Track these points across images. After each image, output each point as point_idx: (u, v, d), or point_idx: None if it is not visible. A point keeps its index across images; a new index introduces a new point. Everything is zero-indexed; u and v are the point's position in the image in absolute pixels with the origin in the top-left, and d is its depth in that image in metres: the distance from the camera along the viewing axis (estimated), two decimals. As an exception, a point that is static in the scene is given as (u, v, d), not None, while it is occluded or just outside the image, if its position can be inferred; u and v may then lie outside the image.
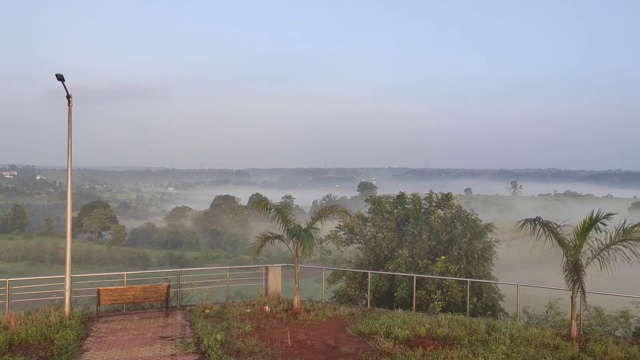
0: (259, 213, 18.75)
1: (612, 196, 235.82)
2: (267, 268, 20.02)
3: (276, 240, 17.93)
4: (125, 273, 18.21)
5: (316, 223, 18.11)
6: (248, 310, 17.22)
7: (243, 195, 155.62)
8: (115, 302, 16.36)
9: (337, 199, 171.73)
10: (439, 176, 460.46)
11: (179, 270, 19.48)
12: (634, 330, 15.97)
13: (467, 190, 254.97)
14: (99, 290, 16.03)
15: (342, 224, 26.36)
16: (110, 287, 16.36)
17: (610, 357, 12.68)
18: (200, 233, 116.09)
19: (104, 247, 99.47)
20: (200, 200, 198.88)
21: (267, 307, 17.44)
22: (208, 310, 16.96)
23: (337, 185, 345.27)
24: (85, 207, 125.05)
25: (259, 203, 18.49)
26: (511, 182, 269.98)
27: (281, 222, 17.77)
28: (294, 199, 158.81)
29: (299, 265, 17.77)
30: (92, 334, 14.38)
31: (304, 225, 17.70)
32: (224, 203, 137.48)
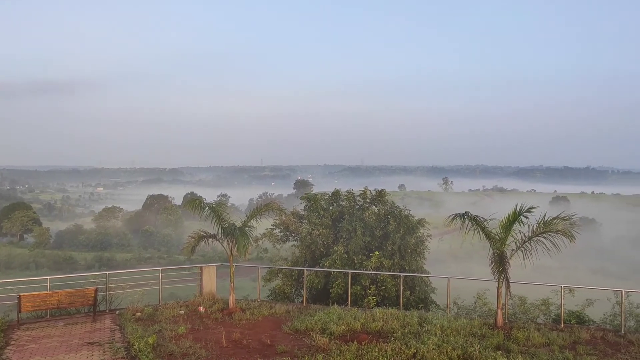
0: (192, 212, 18.36)
1: (535, 191, 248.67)
2: (201, 268, 19.66)
3: (211, 240, 17.65)
4: (49, 277, 17.29)
5: (251, 221, 17.98)
6: (182, 312, 16.84)
7: (177, 195, 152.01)
8: (37, 308, 15.53)
9: (273, 197, 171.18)
10: (374, 173, 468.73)
11: (107, 272, 18.72)
12: (554, 317, 16.92)
13: (401, 186, 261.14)
14: (19, 296, 15.17)
15: (277, 221, 26.29)
16: (33, 293, 15.51)
17: (532, 342, 13.39)
18: (132, 234, 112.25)
19: (26, 250, 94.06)
20: (132, 200, 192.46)
21: (201, 308, 17.13)
22: (139, 313, 16.44)
23: (273, 183, 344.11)
24: (5, 209, 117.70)
25: (192, 202, 18.12)
26: (443, 179, 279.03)
27: (216, 221, 17.51)
28: (229, 197, 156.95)
29: (234, 264, 17.57)
30: (13, 342, 13.58)
31: (238, 224, 17.52)
32: (157, 202, 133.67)
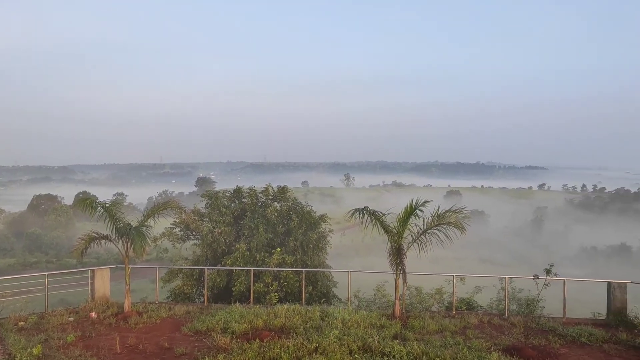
0: (83, 212, 17.24)
1: (431, 185, 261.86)
2: (93, 271, 18.50)
3: (105, 241, 16.66)
4: None
5: (149, 220, 17.20)
6: (71, 319, 15.75)
7: (68, 194, 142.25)
8: None
9: (174, 195, 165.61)
10: (277, 170, 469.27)
11: (-15, 280, 17.09)
12: (447, 304, 17.87)
13: (304, 183, 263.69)
14: None
15: (177, 220, 25.46)
16: None
17: (427, 330, 14.03)
18: (15, 237, 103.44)
19: None
20: (15, 200, 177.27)
21: (93, 313, 16.12)
22: (22, 323, 15.16)
23: (174, 181, 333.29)
24: None
25: (83, 201, 16.97)
26: (345, 175, 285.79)
27: (110, 221, 16.56)
28: (126, 196, 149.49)
29: (131, 265, 16.73)
30: None
31: (135, 224, 16.70)
32: (45, 203, 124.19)
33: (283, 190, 26.93)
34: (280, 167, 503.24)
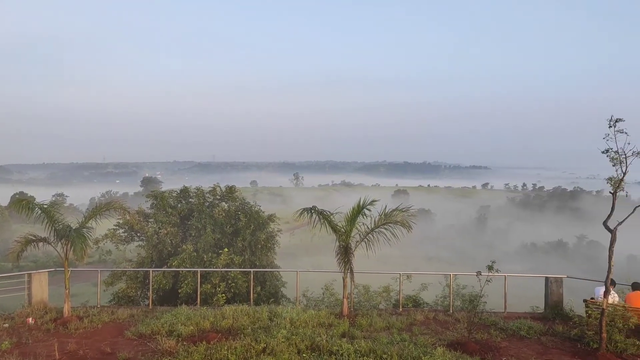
0: (20, 214, 16.44)
1: (379, 185, 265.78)
2: (30, 275, 17.68)
3: (43, 244, 15.94)
4: None
5: (90, 222, 16.59)
6: (6, 325, 14.99)
7: (3, 195, 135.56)
8: None
9: (118, 195, 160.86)
10: (226, 169, 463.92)
11: None
12: (394, 302, 18.15)
13: (253, 182, 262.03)
14: None
15: (121, 221, 24.70)
16: None
17: (374, 328, 14.20)
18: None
19: None
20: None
21: (30, 319, 15.40)
22: (-48, 331, 14.31)
23: (117, 181, 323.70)
24: None
25: (19, 202, 16.17)
26: (294, 174, 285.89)
27: (48, 223, 15.86)
28: (67, 197, 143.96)
29: (71, 269, 16.08)
30: None
31: (75, 225, 16.06)
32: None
33: (231, 190, 26.62)
34: (229, 167, 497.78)
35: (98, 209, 17.31)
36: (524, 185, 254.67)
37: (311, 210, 15.78)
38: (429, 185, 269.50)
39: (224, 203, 26.19)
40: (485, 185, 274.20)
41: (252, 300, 18.35)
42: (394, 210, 15.79)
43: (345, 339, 12.76)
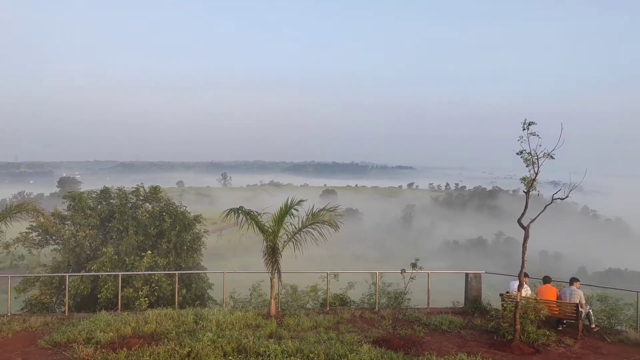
0: None
1: (307, 185, 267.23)
2: None
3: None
4: None
5: (-1, 225, 15.53)
6: None
7: None
8: None
9: (32, 196, 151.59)
10: (151, 169, 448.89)
11: None
12: (321, 301, 18.26)
13: (179, 183, 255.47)
14: None
15: (34, 224, 23.25)
16: None
17: (301, 327, 14.22)
18: None
19: None
20: None
21: None
22: None
23: (32, 181, 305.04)
24: None
25: None
26: (222, 174, 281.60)
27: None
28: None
29: (-24, 275, 14.96)
30: None
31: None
32: None
33: (155, 190, 25.76)
34: (154, 167, 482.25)
35: (8, 211, 16.26)
36: (447, 185, 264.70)
37: (238, 210, 15.59)
38: (356, 185, 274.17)
39: (147, 204, 25.30)
40: (410, 185, 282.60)
41: (177, 303, 17.86)
42: (321, 210, 15.90)
43: (272, 339, 12.69)
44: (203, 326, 14.00)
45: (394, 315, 14.45)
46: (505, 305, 14.29)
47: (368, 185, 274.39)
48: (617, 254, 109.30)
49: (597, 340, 13.76)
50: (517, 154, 13.20)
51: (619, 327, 15.31)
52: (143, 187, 26.43)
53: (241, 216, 15.55)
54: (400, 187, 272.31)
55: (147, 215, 23.81)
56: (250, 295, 19.41)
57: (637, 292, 15.29)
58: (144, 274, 20.26)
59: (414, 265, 13.38)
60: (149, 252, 21.81)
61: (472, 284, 17.60)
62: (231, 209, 15.62)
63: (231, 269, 18.97)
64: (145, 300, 17.96)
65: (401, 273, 13.77)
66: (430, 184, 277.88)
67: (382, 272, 18.05)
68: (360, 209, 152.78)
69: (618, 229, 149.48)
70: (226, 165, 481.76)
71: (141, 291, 19.54)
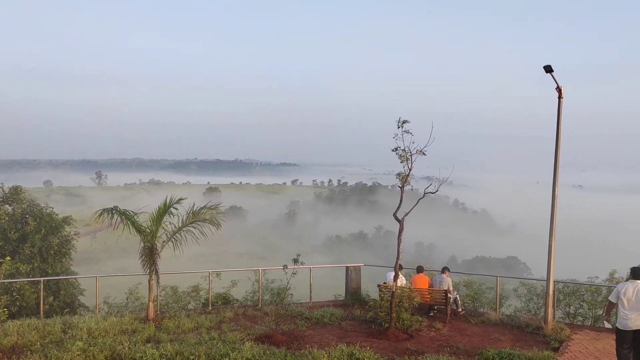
0: None
1: (190, 183, 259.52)
2: None
3: None
4: None
5: None
6: None
7: None
8: None
9: None
10: (13, 167, 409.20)
11: None
12: (203, 301, 17.84)
13: (47, 182, 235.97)
14: None
15: None
16: None
17: (182, 329, 13.77)
18: None
19: None
20: None
21: None
22: None
23: None
24: None
25: None
26: (96, 173, 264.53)
27: None
28: None
29: None
30: None
31: None
32: None
33: (16, 190, 23.50)
34: (16, 165, 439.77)
35: None
36: (330, 181, 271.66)
37: (112, 210, 14.74)
38: (240, 183, 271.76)
39: (7, 206, 23.01)
40: (294, 181, 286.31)
41: (42, 312, 16.43)
42: (202, 208, 15.55)
43: (150, 344, 12.14)
44: (72, 335, 13.02)
45: (277, 311, 14.52)
46: (382, 295, 14.95)
47: (252, 183, 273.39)
48: (482, 243, 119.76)
49: (463, 323, 14.89)
50: (393, 150, 13.86)
51: (482, 309, 16.69)
52: (2, 187, 24.03)
53: (116, 216, 14.73)
54: (284, 183, 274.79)
55: (7, 218, 21.68)
56: (127, 299, 18.45)
57: (497, 276, 16.80)
58: (3, 282, 18.41)
59: (295, 261, 13.53)
60: (8, 258, 19.86)
61: (352, 276, 18.19)
62: (104, 209, 14.73)
63: (107, 273, 17.86)
64: (4, 311, 16.31)
65: (283, 269, 13.86)
66: (314, 180, 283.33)
67: (264, 269, 18.05)
68: (245, 206, 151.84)
69: (484, 220, 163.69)
70: (101, 163, 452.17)
71: (1, 301, 17.73)
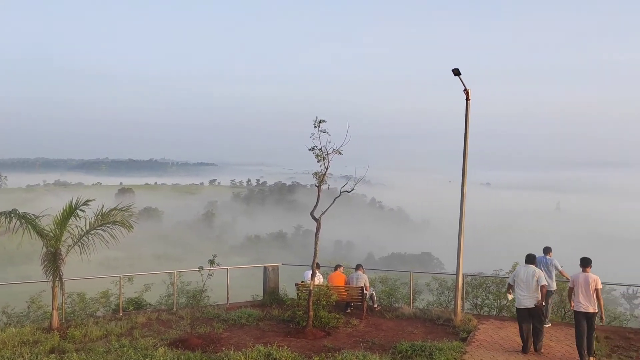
0: None
1: (100, 184, 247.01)
2: None
3: None
4: None
5: None
6: None
7: None
8: None
9: None
10: None
11: None
12: (114, 307, 17.02)
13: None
14: None
15: None
16: None
17: (89, 338, 13.04)
18: None
19: None
20: None
21: None
22: None
23: None
24: None
25: None
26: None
27: None
28: None
29: None
30: None
31: None
32: None
33: None
34: None
35: None
36: (249, 180, 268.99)
37: (10, 214, 13.73)
38: (156, 183, 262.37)
39: None
40: (212, 181, 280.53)
41: None
42: (112, 209, 14.84)
43: (54, 354, 11.44)
44: (-36, 350, 11.98)
45: (193, 314, 14.17)
46: (300, 294, 14.99)
47: (168, 183, 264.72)
48: (398, 239, 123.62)
49: (379, 318, 15.27)
50: (310, 150, 13.93)
51: (397, 305, 17.19)
52: None
53: (14, 220, 13.74)
54: (202, 184, 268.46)
55: None
56: (29, 308, 17.20)
57: (411, 272, 17.38)
58: None
59: (211, 262, 13.26)
60: None
61: (270, 276, 18.11)
62: (1, 213, 13.68)
63: (6, 281, 16.44)
64: None
65: (199, 270, 13.53)
66: (232, 180, 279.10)
67: (180, 271, 17.55)
68: (160, 207, 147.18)
69: (399, 218, 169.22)
70: (0, 163, 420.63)
71: None
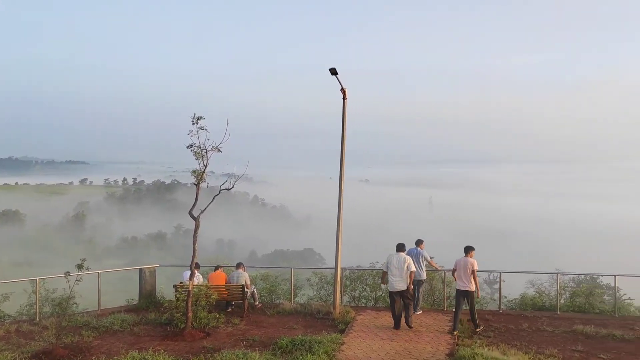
0: None
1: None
2: None
3: None
4: None
5: None
6: None
7: None
8: None
9: None
10: None
11: None
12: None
13: None
14: None
15: None
16: None
17: None
18: None
19: None
20: None
21: None
22: None
23: None
24: None
25: None
26: None
27: None
28: None
29: None
30: None
31: None
32: None
33: None
34: None
35: None
36: (125, 179, 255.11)
37: None
38: (16, 183, 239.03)
39: None
40: (83, 181, 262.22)
41: None
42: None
43: None
44: None
45: (59, 323, 13.08)
46: (178, 295, 14.49)
47: (31, 183, 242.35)
48: (281, 236, 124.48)
49: (260, 316, 15.25)
50: (188, 147, 13.50)
51: (278, 301, 17.28)
52: None
53: None
54: (71, 183, 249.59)
55: None
56: None
57: (291, 268, 17.58)
58: None
59: (80, 266, 12.33)
60: None
61: (146, 278, 17.32)
62: None
63: None
64: None
65: (65, 276, 12.53)
66: (106, 179, 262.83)
67: (43, 278, 16.12)
68: (22, 210, 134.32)
69: (282, 215, 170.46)
70: None
71: None
